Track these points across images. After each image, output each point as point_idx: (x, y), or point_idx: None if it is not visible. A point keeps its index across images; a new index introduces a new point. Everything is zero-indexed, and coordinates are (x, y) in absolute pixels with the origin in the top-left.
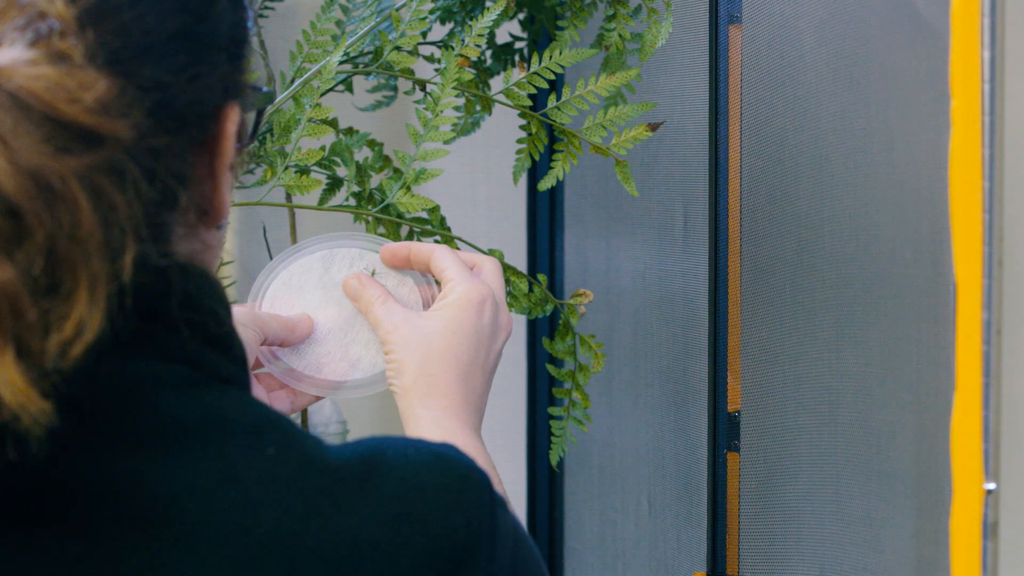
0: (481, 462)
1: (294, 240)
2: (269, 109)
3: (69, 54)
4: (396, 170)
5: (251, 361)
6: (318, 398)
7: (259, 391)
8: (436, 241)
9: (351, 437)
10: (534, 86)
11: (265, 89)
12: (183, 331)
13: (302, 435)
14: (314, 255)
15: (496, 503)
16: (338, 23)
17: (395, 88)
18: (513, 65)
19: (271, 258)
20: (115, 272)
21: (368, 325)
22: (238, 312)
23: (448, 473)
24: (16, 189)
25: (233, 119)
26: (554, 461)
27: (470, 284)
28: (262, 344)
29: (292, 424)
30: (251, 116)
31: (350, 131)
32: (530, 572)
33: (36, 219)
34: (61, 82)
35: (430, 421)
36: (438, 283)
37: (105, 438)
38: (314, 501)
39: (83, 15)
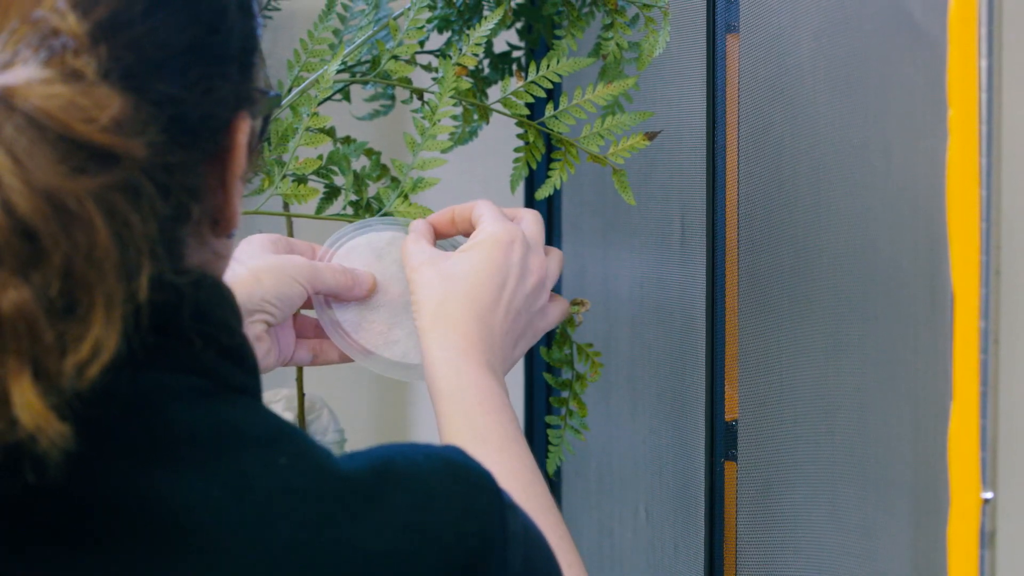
0: (496, 400)
1: None
2: (274, 113)
3: (83, 72)
4: (393, 179)
5: (286, 314)
6: (343, 359)
7: (287, 332)
8: None
9: (348, 446)
10: (531, 95)
11: (273, 93)
12: (196, 343)
13: (313, 445)
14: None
15: (506, 507)
16: (335, 32)
17: (393, 97)
18: (511, 74)
19: None
20: (131, 292)
21: None
22: (292, 264)
23: (458, 480)
24: (32, 211)
25: (244, 129)
26: (551, 470)
27: (499, 225)
28: (315, 294)
29: (304, 434)
30: (259, 122)
31: (347, 140)
32: (542, 573)
33: (52, 241)
34: (76, 101)
35: (444, 363)
36: None
37: (118, 452)
38: (328, 512)
39: (95, 30)
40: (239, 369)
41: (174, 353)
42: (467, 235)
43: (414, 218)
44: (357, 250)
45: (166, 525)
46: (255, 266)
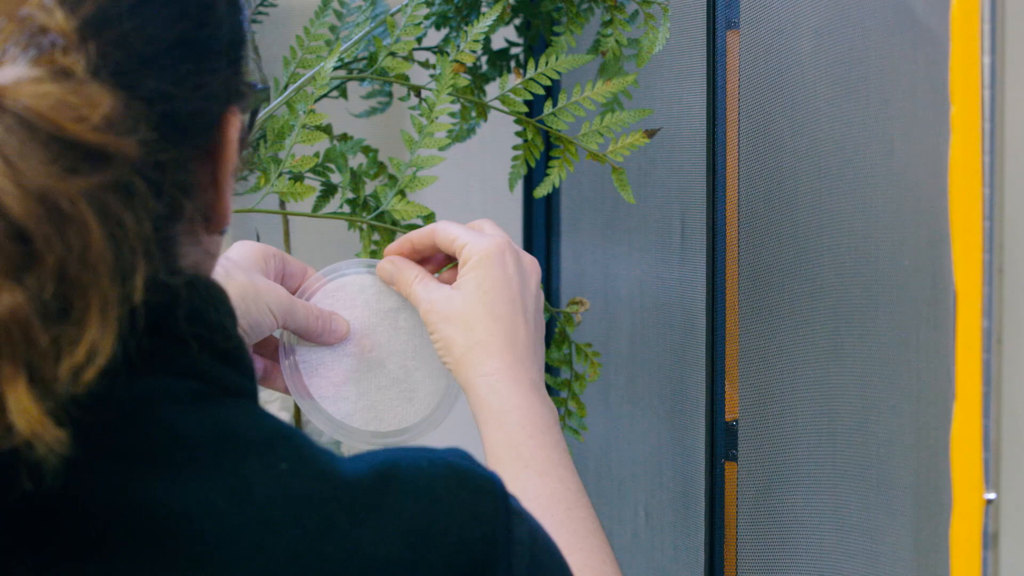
0: (538, 422)
1: (288, 246)
2: (263, 114)
3: (72, 69)
4: (391, 177)
5: (252, 341)
6: (287, 391)
7: None
8: None
9: (345, 448)
10: (530, 92)
11: (260, 87)
12: (192, 346)
13: (315, 449)
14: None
15: (511, 513)
16: (332, 28)
17: (390, 94)
18: (509, 71)
19: None
20: (126, 293)
21: (377, 386)
22: (272, 294)
23: (463, 486)
24: (25, 213)
25: (235, 125)
26: None
27: (483, 242)
28: (283, 327)
29: (305, 437)
30: (247, 116)
31: (344, 137)
32: None
33: (46, 243)
34: (66, 100)
35: (485, 387)
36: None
37: (116, 458)
38: (330, 517)
39: (84, 27)
40: (236, 372)
41: (170, 356)
42: (430, 259)
43: (410, 218)
44: (346, 290)
45: (166, 533)
46: (235, 285)
